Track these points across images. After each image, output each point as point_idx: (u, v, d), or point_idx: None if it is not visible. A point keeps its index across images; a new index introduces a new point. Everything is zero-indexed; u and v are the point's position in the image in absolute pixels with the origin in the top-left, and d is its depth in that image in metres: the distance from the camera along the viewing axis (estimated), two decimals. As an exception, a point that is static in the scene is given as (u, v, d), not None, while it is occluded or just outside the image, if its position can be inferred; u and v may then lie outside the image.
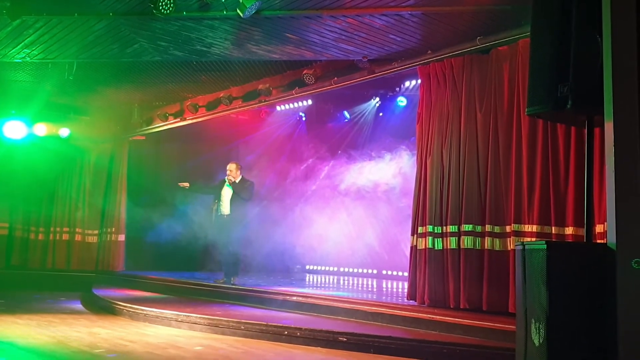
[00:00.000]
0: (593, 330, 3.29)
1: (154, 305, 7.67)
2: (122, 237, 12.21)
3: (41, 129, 11.75)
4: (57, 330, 6.51)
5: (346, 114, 11.78)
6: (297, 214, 10.83)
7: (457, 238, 6.52)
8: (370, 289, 9.50)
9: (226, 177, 9.19)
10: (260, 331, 6.22)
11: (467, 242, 6.41)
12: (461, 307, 6.31)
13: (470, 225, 6.42)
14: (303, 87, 9.03)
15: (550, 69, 3.71)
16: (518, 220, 6.01)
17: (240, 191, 9.10)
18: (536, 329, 3.39)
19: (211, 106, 10.38)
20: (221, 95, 10.05)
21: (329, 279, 11.21)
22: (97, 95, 10.76)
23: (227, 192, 9.20)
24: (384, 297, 8.01)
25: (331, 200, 11.02)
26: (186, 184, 9.51)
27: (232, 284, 8.91)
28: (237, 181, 9.16)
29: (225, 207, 9.15)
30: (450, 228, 6.60)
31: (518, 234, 5.97)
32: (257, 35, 7.29)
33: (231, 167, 9.27)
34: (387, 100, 10.96)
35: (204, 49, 7.83)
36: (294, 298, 7.74)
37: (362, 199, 10.69)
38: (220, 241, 9.19)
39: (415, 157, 7.51)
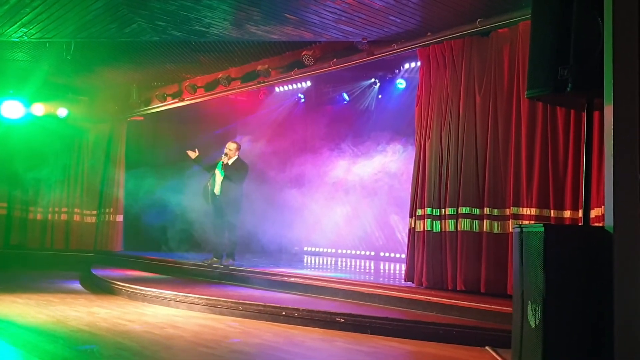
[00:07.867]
0: (589, 312, 3.31)
1: (153, 285, 7.70)
2: (120, 218, 12.28)
3: (39, 109, 11.71)
4: (56, 309, 6.54)
5: (345, 95, 11.75)
6: (295, 196, 10.84)
7: (455, 220, 6.54)
8: (367, 271, 9.54)
9: (223, 156, 9.10)
10: (258, 311, 6.26)
11: (465, 224, 6.43)
12: (458, 288, 6.35)
13: (468, 208, 6.44)
14: (302, 69, 8.98)
15: (550, 52, 3.70)
16: (517, 203, 6.02)
17: (231, 175, 8.98)
18: (532, 311, 3.42)
19: (210, 87, 10.35)
20: (220, 76, 10.00)
21: (327, 261, 11.25)
22: (95, 75, 10.71)
23: (219, 173, 9.08)
24: (381, 279, 8.05)
25: (329, 182, 11.02)
26: (194, 153, 9.31)
27: (225, 265, 8.94)
28: (230, 163, 9.03)
29: (217, 188, 9.07)
30: (449, 210, 6.61)
31: (517, 216, 5.99)
32: (256, 15, 7.23)
33: (230, 146, 9.12)
34: (386, 82, 10.92)
35: (203, 29, 7.77)
36: (292, 279, 7.78)
37: (360, 180, 10.68)
38: (215, 223, 9.18)
39: (413, 140, 7.50)
